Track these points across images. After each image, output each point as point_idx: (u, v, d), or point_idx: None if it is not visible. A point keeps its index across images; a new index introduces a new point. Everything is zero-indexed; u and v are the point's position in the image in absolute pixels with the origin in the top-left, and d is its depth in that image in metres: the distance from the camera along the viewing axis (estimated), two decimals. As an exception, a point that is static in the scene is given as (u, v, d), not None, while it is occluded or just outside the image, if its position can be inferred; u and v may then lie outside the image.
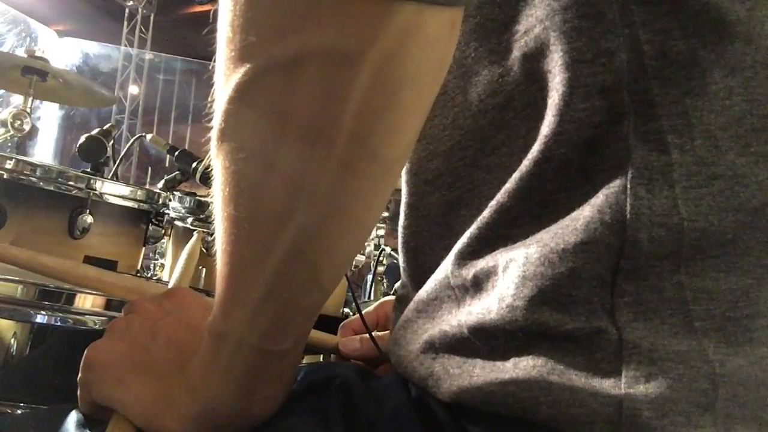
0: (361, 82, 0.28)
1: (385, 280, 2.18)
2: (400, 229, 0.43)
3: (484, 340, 0.34)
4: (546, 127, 0.33)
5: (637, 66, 0.32)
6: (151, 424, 0.38)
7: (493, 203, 0.35)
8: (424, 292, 0.39)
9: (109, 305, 0.79)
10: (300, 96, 0.29)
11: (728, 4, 0.32)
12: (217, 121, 0.32)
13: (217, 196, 0.33)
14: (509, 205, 0.35)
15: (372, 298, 2.08)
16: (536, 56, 0.34)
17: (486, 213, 0.36)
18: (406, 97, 0.30)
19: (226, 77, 0.30)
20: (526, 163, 0.34)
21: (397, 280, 2.01)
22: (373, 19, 0.27)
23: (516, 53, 0.35)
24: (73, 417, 0.42)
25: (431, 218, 0.41)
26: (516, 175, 0.34)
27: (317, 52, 0.28)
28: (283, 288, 0.34)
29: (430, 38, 0.29)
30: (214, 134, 0.32)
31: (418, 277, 0.41)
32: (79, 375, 0.42)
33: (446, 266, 0.38)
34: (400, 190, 0.43)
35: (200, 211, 1.28)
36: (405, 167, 0.41)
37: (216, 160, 0.32)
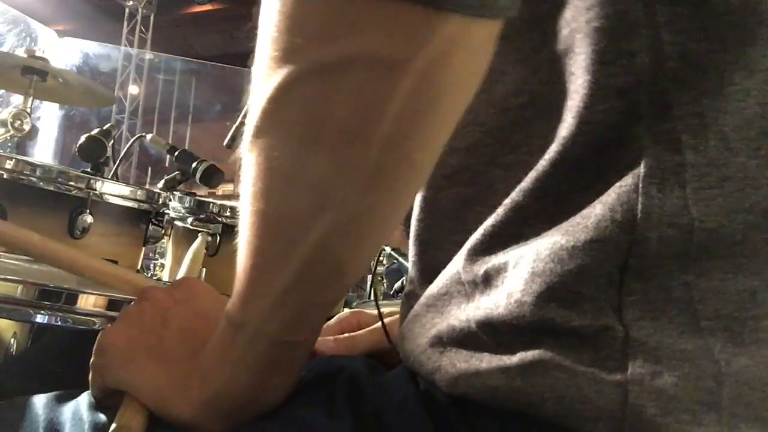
0: (404, 89, 0.29)
1: (384, 281, 2.18)
2: (413, 222, 0.43)
3: (491, 335, 0.34)
4: (565, 129, 0.34)
5: (657, 68, 0.32)
6: (162, 407, 0.39)
7: (507, 201, 0.36)
8: (434, 287, 0.40)
9: (110, 306, 0.79)
10: (341, 99, 0.30)
11: (754, 5, 0.32)
12: (254, 118, 0.33)
13: (247, 191, 0.34)
14: (524, 204, 0.35)
15: (372, 298, 2.08)
16: (562, 58, 0.34)
17: (500, 210, 0.36)
18: (445, 104, 0.31)
19: (267, 76, 0.31)
20: (543, 163, 0.34)
21: (397, 281, 2.01)
22: (421, 28, 0.28)
23: (543, 54, 0.35)
24: (85, 399, 0.43)
25: (446, 212, 0.41)
26: (532, 174, 0.35)
27: (363, 57, 0.29)
28: (307, 283, 0.35)
29: (472, 49, 0.30)
30: (249, 130, 0.33)
31: (428, 271, 0.42)
32: (92, 359, 0.43)
33: (458, 262, 0.38)
34: None
35: (200, 211, 1.28)
36: None
37: (249, 155, 0.33)
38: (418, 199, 0.42)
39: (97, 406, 0.42)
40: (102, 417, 0.41)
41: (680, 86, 0.32)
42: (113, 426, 0.38)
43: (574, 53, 0.34)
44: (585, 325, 0.31)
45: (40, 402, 0.43)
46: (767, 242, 0.31)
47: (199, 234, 1.20)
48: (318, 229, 0.33)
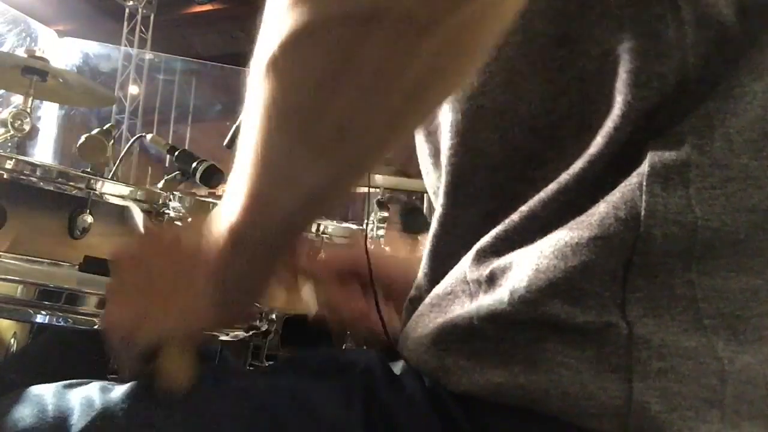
0: (431, 48, 0.30)
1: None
2: (429, 237, 0.44)
3: (494, 332, 0.34)
4: (593, 147, 0.34)
5: (681, 89, 0.32)
6: (189, 323, 0.41)
7: (524, 209, 0.36)
8: (440, 287, 0.40)
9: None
10: (367, 51, 0.30)
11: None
12: (269, 50, 0.33)
13: (256, 121, 0.35)
14: (541, 215, 0.35)
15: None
16: (593, 78, 0.35)
17: (515, 217, 0.36)
18: (469, 62, 0.32)
19: (290, 8, 0.31)
20: (565, 176, 0.35)
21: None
22: None
23: (571, 73, 0.36)
24: (95, 384, 0.43)
25: (467, 228, 0.41)
26: (553, 186, 0.35)
27: (395, 12, 0.29)
28: (313, 208, 0.38)
29: (506, 13, 0.31)
30: (262, 60, 0.33)
31: (438, 281, 0.42)
32: (108, 345, 0.43)
33: (465, 263, 0.38)
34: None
35: (200, 211, 1.28)
36: (446, 180, 0.42)
37: (260, 85, 0.34)
38: (437, 215, 0.43)
39: (110, 386, 0.43)
40: (114, 397, 0.40)
41: (695, 100, 0.32)
42: (157, 367, 0.40)
43: (605, 74, 0.34)
44: (589, 321, 0.32)
45: (48, 391, 0.43)
46: None
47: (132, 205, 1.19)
48: (331, 166, 0.34)
